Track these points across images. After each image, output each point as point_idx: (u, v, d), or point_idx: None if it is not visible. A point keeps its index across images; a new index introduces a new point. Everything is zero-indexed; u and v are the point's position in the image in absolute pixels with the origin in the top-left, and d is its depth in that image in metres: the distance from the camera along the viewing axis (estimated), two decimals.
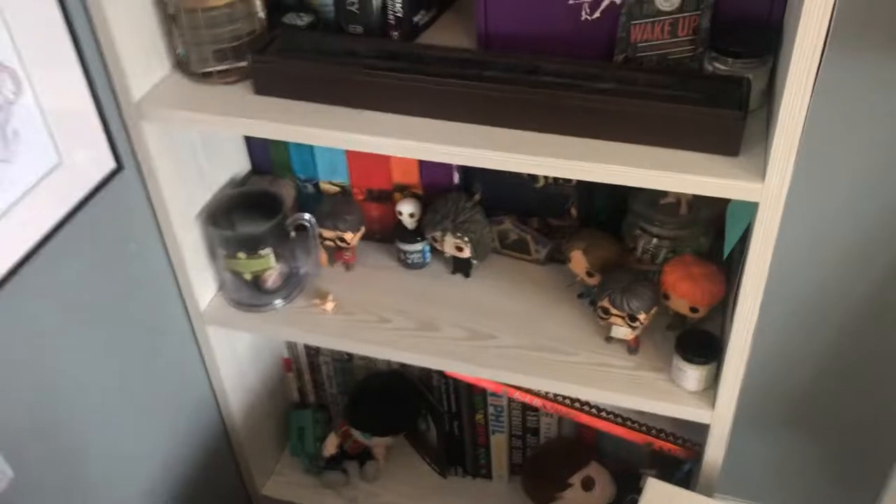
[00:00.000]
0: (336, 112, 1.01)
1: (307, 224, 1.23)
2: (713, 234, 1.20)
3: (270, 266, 1.23)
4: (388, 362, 1.50)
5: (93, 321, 1.09)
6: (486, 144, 0.95)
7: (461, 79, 0.97)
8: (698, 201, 1.17)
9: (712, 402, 1.09)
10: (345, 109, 1.01)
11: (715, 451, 1.13)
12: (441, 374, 1.42)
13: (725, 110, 0.88)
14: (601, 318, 1.13)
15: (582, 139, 0.94)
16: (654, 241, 1.17)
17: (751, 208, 0.95)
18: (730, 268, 1.14)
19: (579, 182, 1.20)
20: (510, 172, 1.19)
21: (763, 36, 0.95)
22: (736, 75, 0.93)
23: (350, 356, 1.52)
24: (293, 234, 1.23)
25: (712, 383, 1.11)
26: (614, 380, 1.14)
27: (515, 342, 1.19)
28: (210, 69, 1.07)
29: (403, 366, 1.49)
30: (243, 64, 1.07)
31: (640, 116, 0.91)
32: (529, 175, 1.22)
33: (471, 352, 1.19)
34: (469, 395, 1.43)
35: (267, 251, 1.21)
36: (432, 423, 1.51)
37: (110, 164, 1.06)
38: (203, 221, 1.23)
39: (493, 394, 1.40)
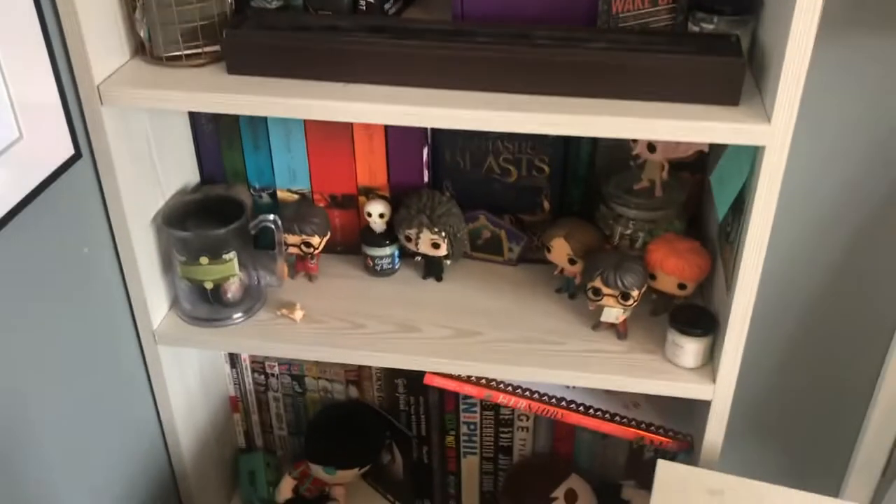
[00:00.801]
0: (318, 86, 0.97)
1: (272, 226, 1.16)
2: (686, 219, 1.21)
3: (234, 273, 1.14)
4: (346, 392, 1.41)
5: (32, 327, 0.97)
6: (484, 107, 0.92)
7: (450, 44, 0.94)
8: (671, 184, 1.18)
9: (712, 376, 1.08)
10: (327, 84, 0.97)
11: (716, 430, 1.10)
12: (409, 395, 1.35)
13: (726, 57, 0.90)
14: (591, 299, 1.10)
15: (580, 99, 0.93)
16: (632, 224, 1.17)
17: (745, 165, 0.96)
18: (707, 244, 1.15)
19: (552, 172, 1.19)
20: (481, 169, 1.18)
21: None
22: (724, 32, 0.95)
23: (303, 389, 1.42)
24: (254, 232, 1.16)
25: (709, 359, 1.09)
26: (608, 363, 1.10)
27: (502, 336, 1.15)
28: (177, 52, 1.01)
29: (363, 394, 1.41)
30: (214, 48, 1.01)
31: (638, 70, 0.91)
32: (501, 169, 1.20)
33: (457, 348, 1.13)
34: (440, 415, 1.36)
35: (231, 255, 1.13)
36: (398, 453, 1.41)
37: (69, 150, 0.96)
38: (159, 227, 1.14)
39: (468, 408, 1.33)
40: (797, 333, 1.43)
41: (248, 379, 1.41)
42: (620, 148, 1.18)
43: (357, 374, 1.38)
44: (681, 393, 1.09)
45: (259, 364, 1.40)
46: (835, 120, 1.21)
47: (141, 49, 1.04)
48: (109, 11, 0.99)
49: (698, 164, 1.22)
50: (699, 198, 1.25)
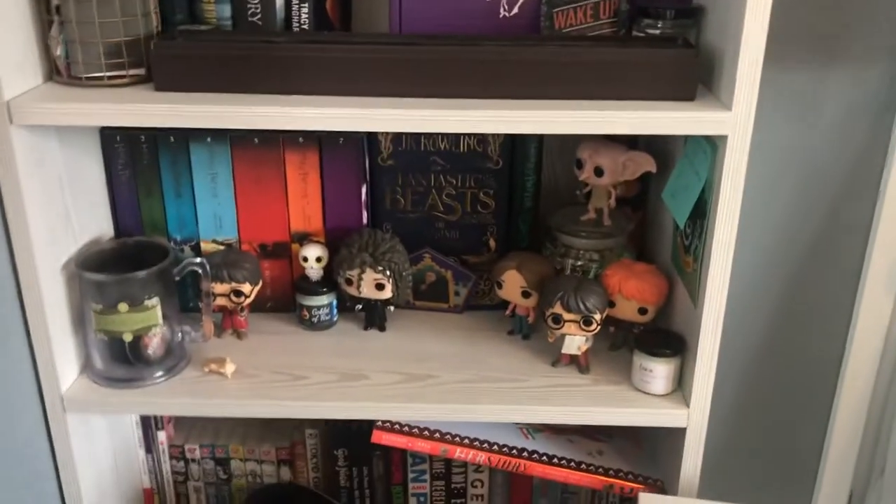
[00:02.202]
0: (254, 98, 0.90)
1: (198, 270, 1.05)
2: (634, 250, 1.18)
3: (156, 322, 1.02)
4: (278, 475, 1.26)
5: None
6: (435, 107, 0.88)
7: (394, 47, 0.91)
8: (618, 214, 1.15)
9: (685, 401, 1.01)
10: (265, 96, 0.91)
11: (692, 459, 1.02)
12: (351, 468, 1.22)
13: (680, 50, 0.89)
14: (552, 328, 1.04)
15: (531, 101, 0.90)
16: (582, 254, 1.12)
17: (702, 168, 0.94)
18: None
19: (497, 206, 1.15)
20: (424, 207, 1.13)
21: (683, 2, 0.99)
22: (669, 35, 0.96)
23: (228, 475, 1.27)
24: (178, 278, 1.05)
25: (678, 385, 1.03)
26: (574, 396, 1.03)
27: (456, 377, 1.06)
28: (98, 73, 0.93)
29: (296, 475, 1.26)
30: (138, 71, 0.94)
31: (591, 66, 0.89)
32: (445, 206, 1.15)
33: (409, 392, 1.03)
34: (386, 489, 1.23)
35: (154, 301, 1.01)
36: None
37: None
38: (71, 275, 1.01)
39: (417, 476, 1.21)
40: (760, 346, 1.38)
41: (166, 466, 1.25)
42: (567, 174, 1.15)
43: (290, 452, 1.25)
44: (654, 422, 1.02)
45: (178, 448, 1.25)
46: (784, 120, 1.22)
47: (56, 72, 0.95)
48: (21, 28, 0.91)
49: (640, 199, 1.21)
50: (643, 234, 1.22)
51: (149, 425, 1.22)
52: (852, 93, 1.19)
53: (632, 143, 1.12)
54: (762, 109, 1.17)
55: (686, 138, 1.01)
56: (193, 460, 1.25)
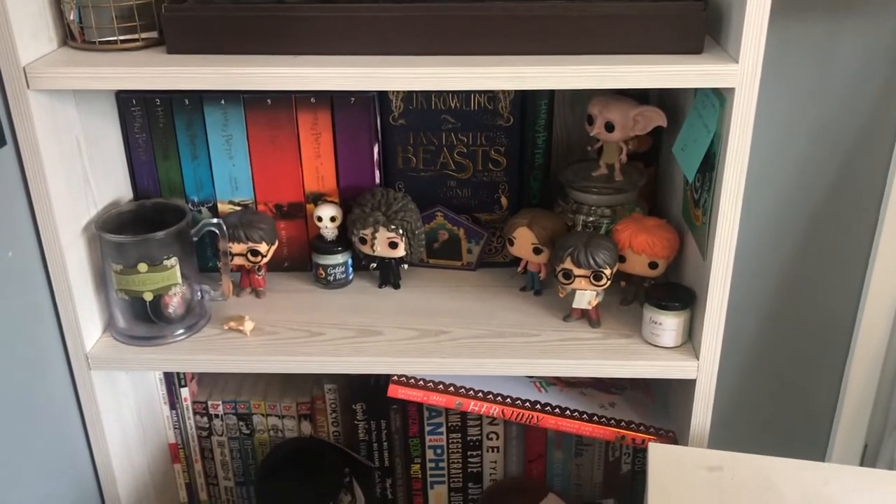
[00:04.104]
0: (266, 59, 0.91)
1: (215, 231, 1.08)
2: (646, 206, 1.18)
3: (175, 281, 1.05)
4: (299, 429, 1.30)
5: None
6: (444, 64, 0.88)
7: (404, 4, 0.91)
8: (630, 169, 1.16)
9: (694, 353, 1.03)
10: (276, 57, 0.92)
11: (703, 411, 1.04)
12: (369, 421, 1.25)
13: (687, 2, 0.89)
14: (562, 283, 1.05)
15: (540, 57, 0.90)
16: (594, 211, 1.13)
17: (711, 121, 0.94)
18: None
19: (509, 164, 1.16)
20: (436, 167, 1.13)
21: None
22: None
23: (251, 430, 1.30)
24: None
25: (688, 338, 1.05)
26: (585, 349, 1.04)
27: (470, 333, 1.08)
28: (111, 38, 0.95)
29: (316, 429, 1.30)
30: (150, 34, 0.96)
31: (598, 20, 0.88)
32: (456, 165, 1.16)
33: (424, 347, 1.05)
34: (404, 441, 1.26)
35: (173, 261, 1.04)
36: (359, 490, 1.30)
37: None
38: (91, 237, 1.04)
39: (434, 429, 1.24)
40: (774, 299, 1.39)
41: (190, 422, 1.29)
42: (578, 130, 1.16)
43: (310, 407, 1.28)
44: (664, 374, 1.03)
45: (201, 404, 1.28)
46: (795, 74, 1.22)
47: (70, 37, 0.97)
48: None
49: (652, 154, 1.21)
50: (655, 189, 1.23)
51: (172, 382, 1.26)
52: (867, 44, 1.18)
53: (643, 97, 1.12)
54: (774, 61, 1.17)
55: (695, 91, 1.01)
56: (216, 416, 1.29)
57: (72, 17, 0.95)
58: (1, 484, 0.94)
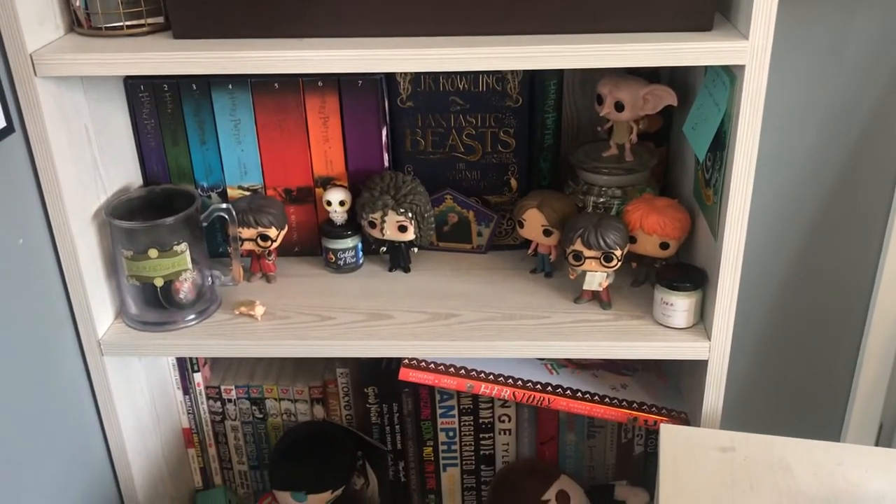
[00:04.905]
0: (272, 43, 0.91)
1: (224, 216, 1.08)
2: (658, 186, 1.18)
3: (186, 267, 1.05)
4: (311, 413, 1.30)
5: None
6: (451, 45, 0.88)
7: None
8: (640, 149, 1.15)
9: (706, 334, 1.02)
10: (282, 41, 0.91)
11: (715, 392, 1.03)
12: (381, 405, 1.25)
13: None
14: (572, 265, 1.05)
15: (548, 37, 0.89)
16: (604, 191, 1.12)
17: (721, 98, 0.93)
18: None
19: (518, 145, 1.15)
20: (444, 149, 1.13)
21: None
22: None
23: (264, 414, 1.31)
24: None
25: (699, 318, 1.04)
26: (597, 331, 1.04)
27: (480, 315, 1.07)
28: (118, 23, 0.94)
29: (329, 412, 1.30)
30: (156, 20, 0.96)
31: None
32: (465, 147, 1.15)
33: (435, 330, 1.05)
34: (416, 424, 1.26)
35: (183, 247, 1.04)
36: (371, 474, 1.31)
37: (0, 121, 0.88)
38: (102, 223, 1.04)
39: (446, 412, 1.24)
40: (783, 282, 1.37)
41: (204, 406, 1.30)
42: (587, 110, 1.15)
43: (322, 391, 1.28)
44: (675, 354, 1.03)
45: (214, 389, 1.29)
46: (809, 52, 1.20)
47: (77, 24, 0.97)
48: None
49: (663, 134, 1.20)
50: (666, 169, 1.22)
51: (185, 367, 1.26)
52: (881, 22, 1.16)
53: (654, 76, 1.11)
54: (786, 39, 1.15)
55: (706, 69, 1.00)
56: (230, 400, 1.29)
57: (78, 4, 0.95)
58: (16, 469, 0.94)
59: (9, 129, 0.89)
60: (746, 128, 0.89)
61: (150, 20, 0.96)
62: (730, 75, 0.91)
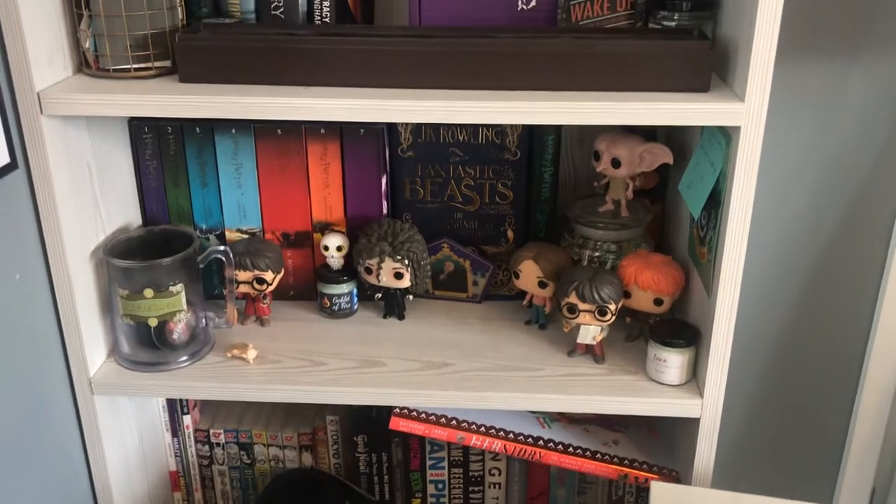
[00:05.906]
0: (277, 90, 0.92)
1: (221, 258, 1.08)
2: (653, 242, 1.19)
3: (181, 308, 1.05)
4: (300, 460, 1.29)
5: None
6: (454, 98, 0.89)
7: (414, 39, 0.92)
8: (636, 206, 1.16)
9: (699, 391, 1.02)
10: (287, 88, 0.93)
11: (706, 450, 1.03)
12: (370, 454, 1.24)
13: (694, 41, 0.90)
14: (567, 317, 1.05)
15: (548, 93, 0.91)
16: (599, 246, 1.13)
17: (717, 158, 0.94)
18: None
19: (515, 197, 1.16)
20: (443, 198, 1.14)
21: None
22: (685, 27, 0.96)
23: (251, 459, 1.29)
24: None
25: (692, 375, 1.04)
26: (589, 385, 1.04)
27: (473, 366, 1.07)
28: (125, 66, 0.96)
29: (317, 460, 1.29)
30: (163, 63, 0.97)
31: (606, 58, 0.89)
32: (463, 197, 1.17)
33: (427, 380, 1.05)
34: (405, 475, 1.25)
35: (178, 287, 1.04)
36: None
37: (3, 157, 0.89)
38: (99, 262, 1.05)
39: (435, 464, 1.23)
40: (777, 342, 1.38)
41: (192, 450, 1.28)
42: (584, 165, 1.16)
43: (311, 438, 1.27)
44: (667, 411, 1.02)
45: (203, 432, 1.28)
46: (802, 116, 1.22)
47: (85, 65, 0.98)
48: (53, 23, 0.94)
49: (659, 191, 1.21)
50: (661, 226, 1.23)
51: (175, 410, 1.26)
52: (875, 87, 1.19)
53: (651, 135, 1.13)
54: (782, 103, 1.18)
55: (702, 129, 1.02)
56: (218, 444, 1.28)
57: (87, 45, 0.97)
58: None
59: (12, 166, 0.90)
60: (741, 187, 0.90)
61: (157, 63, 0.97)
62: (725, 135, 0.92)
